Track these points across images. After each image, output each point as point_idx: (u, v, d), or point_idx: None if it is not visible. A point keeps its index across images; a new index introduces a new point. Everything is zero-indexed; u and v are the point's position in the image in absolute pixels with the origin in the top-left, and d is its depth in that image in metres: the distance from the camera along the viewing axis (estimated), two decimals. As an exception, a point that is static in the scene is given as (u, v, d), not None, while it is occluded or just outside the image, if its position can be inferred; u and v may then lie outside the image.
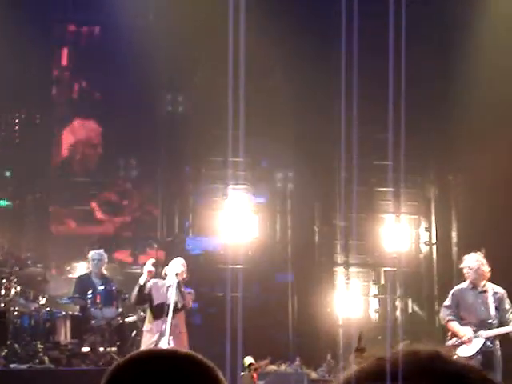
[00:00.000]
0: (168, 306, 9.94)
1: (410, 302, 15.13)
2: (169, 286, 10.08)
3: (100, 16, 15.14)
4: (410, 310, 15.10)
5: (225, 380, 1.97)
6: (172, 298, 9.94)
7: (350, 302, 14.65)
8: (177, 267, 10.19)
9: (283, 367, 13.22)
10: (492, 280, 10.23)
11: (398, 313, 14.98)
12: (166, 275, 10.27)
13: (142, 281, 10.16)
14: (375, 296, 15.14)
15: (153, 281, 10.31)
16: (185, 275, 10.26)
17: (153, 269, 10.40)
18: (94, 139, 15.87)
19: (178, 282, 10.06)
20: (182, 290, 10.14)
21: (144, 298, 10.29)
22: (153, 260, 10.65)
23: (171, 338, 9.79)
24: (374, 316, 15.05)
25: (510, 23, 13.97)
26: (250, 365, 7.77)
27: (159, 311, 10.09)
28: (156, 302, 10.19)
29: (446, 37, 14.57)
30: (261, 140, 14.04)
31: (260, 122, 13.63)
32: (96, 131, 15.90)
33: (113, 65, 14.91)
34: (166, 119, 15.08)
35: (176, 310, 9.98)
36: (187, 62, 14.63)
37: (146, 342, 10.10)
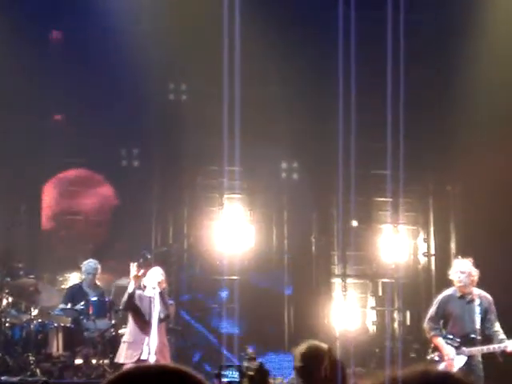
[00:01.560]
0: (152, 317, 9.87)
1: (408, 313, 14.96)
2: (150, 297, 9.95)
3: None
4: (408, 322, 14.92)
5: None
6: (156, 308, 9.85)
7: (348, 313, 14.48)
8: (157, 276, 10.07)
9: (279, 380, 13.06)
10: (492, 292, 10.08)
11: (396, 325, 14.82)
12: (144, 286, 10.10)
13: (130, 288, 9.99)
14: (373, 308, 14.97)
15: (137, 292, 10.14)
16: (164, 285, 10.14)
17: (138, 273, 10.06)
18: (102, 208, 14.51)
19: (161, 292, 9.95)
20: (166, 300, 10.03)
21: (133, 305, 10.10)
22: (135, 264, 10.22)
23: (155, 350, 9.70)
24: (372, 328, 14.88)
25: (507, 35, 13.88)
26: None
27: (142, 322, 9.97)
28: (140, 313, 10.03)
29: (446, 46, 14.46)
30: (257, 149, 13.90)
31: (256, 131, 13.49)
32: (107, 195, 14.55)
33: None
34: (163, 126, 14.89)
35: (159, 320, 9.91)
36: (181, 72, 14.49)
37: (129, 354, 9.89)
